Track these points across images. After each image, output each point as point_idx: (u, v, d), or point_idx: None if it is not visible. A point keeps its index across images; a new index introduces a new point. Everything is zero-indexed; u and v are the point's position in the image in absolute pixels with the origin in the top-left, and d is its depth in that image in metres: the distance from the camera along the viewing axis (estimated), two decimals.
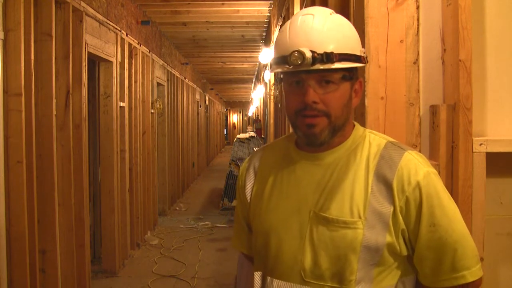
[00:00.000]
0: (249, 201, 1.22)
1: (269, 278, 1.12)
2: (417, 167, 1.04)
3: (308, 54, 1.00)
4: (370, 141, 1.11)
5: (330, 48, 1.02)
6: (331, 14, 1.08)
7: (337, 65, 1.02)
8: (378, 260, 1.03)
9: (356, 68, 1.08)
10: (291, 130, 1.15)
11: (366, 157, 1.08)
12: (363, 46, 1.22)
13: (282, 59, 1.05)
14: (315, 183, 1.09)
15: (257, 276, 1.17)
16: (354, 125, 1.15)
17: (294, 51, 1.01)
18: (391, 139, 1.12)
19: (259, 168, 1.22)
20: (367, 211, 1.02)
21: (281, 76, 1.11)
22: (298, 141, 1.16)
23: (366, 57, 1.10)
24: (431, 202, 1.02)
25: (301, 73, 1.04)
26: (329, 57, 1.01)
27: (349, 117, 1.10)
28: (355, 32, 1.10)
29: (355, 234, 1.02)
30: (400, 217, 1.03)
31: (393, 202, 1.02)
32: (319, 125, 1.05)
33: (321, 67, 1.02)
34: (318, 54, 1.01)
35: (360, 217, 1.02)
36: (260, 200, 1.18)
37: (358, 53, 1.07)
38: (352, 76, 1.07)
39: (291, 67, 1.03)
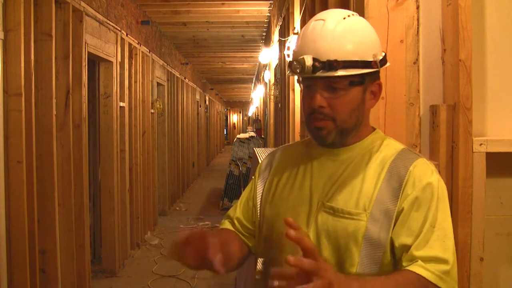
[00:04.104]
0: (261, 192, 1.25)
1: (271, 264, 1.13)
2: (431, 172, 1.07)
3: (308, 63, 1.03)
4: (387, 145, 1.14)
5: (334, 56, 1.03)
6: (345, 18, 1.07)
7: (340, 72, 1.03)
8: (382, 259, 1.04)
9: (369, 72, 1.07)
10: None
11: (382, 157, 1.10)
12: None
13: (290, 65, 1.08)
14: (327, 176, 1.12)
15: (260, 262, 1.19)
16: (374, 129, 1.18)
17: (294, 60, 1.05)
18: (407, 147, 1.16)
19: (277, 162, 1.26)
20: (373, 205, 1.04)
21: (299, 78, 1.14)
22: None
23: (381, 61, 1.09)
24: (437, 205, 1.04)
25: (310, 79, 1.07)
26: (331, 65, 1.03)
27: (362, 119, 1.12)
28: (369, 36, 1.09)
29: (358, 225, 1.04)
30: (403, 211, 1.03)
31: (400, 198, 1.04)
32: (326, 128, 1.08)
33: (323, 75, 1.04)
34: (320, 62, 1.03)
35: (365, 210, 1.04)
36: (272, 190, 1.21)
37: (369, 59, 1.06)
38: (363, 81, 1.08)
39: (295, 73, 1.06)
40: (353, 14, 1.10)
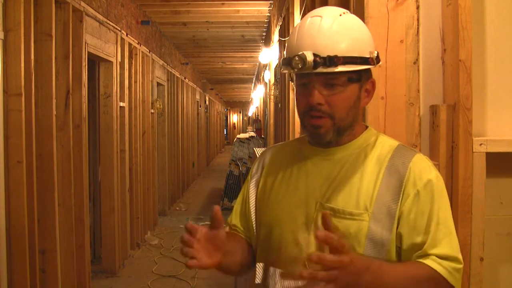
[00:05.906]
0: (254, 195, 1.23)
1: (272, 269, 1.12)
2: (429, 167, 1.08)
3: (310, 58, 1.02)
4: (382, 142, 1.13)
5: (334, 51, 1.03)
6: (341, 15, 1.07)
7: (340, 68, 1.03)
8: (385, 257, 1.04)
9: (365, 69, 1.08)
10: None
11: (378, 155, 1.10)
12: None
13: (288, 61, 1.06)
14: (323, 177, 1.11)
15: (259, 267, 1.17)
16: (366, 127, 1.17)
17: (295, 56, 1.04)
18: (402, 143, 1.15)
19: (269, 163, 1.24)
20: (374, 204, 1.04)
21: (293, 76, 1.13)
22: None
23: (376, 58, 1.10)
24: (439, 203, 1.04)
25: (307, 76, 1.06)
26: (332, 60, 1.02)
27: (357, 117, 1.12)
28: (365, 34, 1.10)
29: (360, 226, 1.03)
30: (406, 211, 1.03)
31: (402, 197, 1.04)
32: (324, 126, 1.08)
33: (324, 70, 1.03)
34: (320, 58, 1.02)
35: (366, 210, 1.04)
36: (267, 193, 1.19)
37: (367, 55, 1.07)
38: (360, 77, 1.08)
39: (295, 69, 1.05)
40: (347, 12, 1.10)
